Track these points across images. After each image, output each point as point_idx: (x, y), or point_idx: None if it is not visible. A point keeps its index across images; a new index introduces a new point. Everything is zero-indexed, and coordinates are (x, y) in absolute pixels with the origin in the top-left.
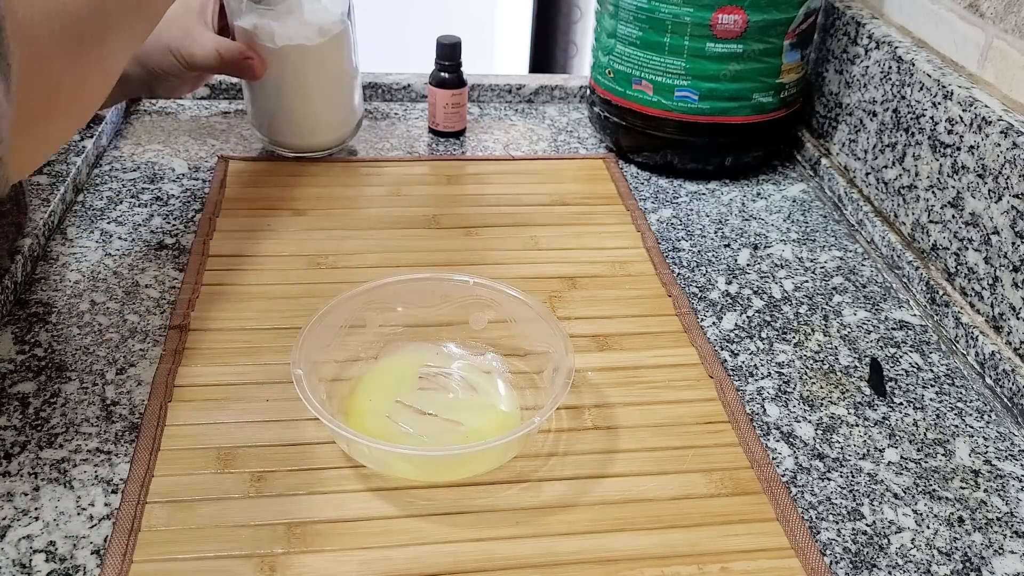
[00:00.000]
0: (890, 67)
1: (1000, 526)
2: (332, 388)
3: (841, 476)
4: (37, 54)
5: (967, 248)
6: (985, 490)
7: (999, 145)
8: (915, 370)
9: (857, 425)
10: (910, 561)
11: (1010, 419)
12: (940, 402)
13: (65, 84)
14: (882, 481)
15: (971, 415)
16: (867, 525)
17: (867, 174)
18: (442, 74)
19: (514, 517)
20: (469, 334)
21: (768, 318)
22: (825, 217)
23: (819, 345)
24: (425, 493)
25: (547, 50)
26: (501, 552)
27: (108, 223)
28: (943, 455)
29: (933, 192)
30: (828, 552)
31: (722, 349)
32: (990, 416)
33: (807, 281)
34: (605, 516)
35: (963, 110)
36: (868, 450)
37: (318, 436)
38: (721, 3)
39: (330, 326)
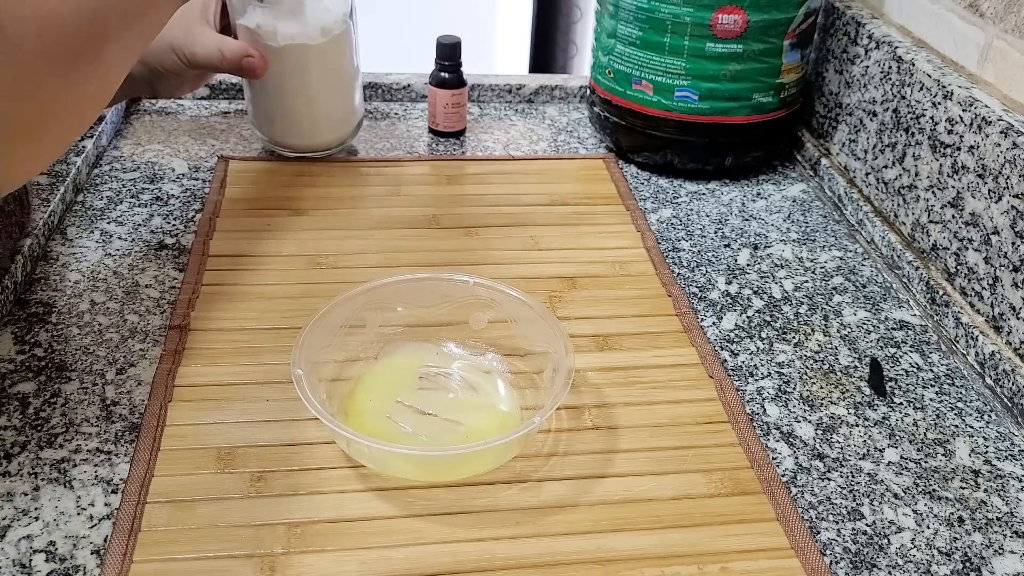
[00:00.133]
0: (890, 67)
1: (1000, 526)
2: (332, 388)
3: (841, 476)
4: (27, 70)
5: (967, 248)
6: (985, 490)
7: (999, 145)
8: (915, 370)
9: (857, 425)
10: (910, 561)
11: (1010, 419)
12: (940, 402)
13: (59, 99)
14: (882, 481)
15: (971, 415)
16: (867, 525)
17: (867, 174)
18: (442, 74)
19: (514, 517)
20: (469, 334)
21: (768, 318)
22: (825, 217)
23: (819, 345)
24: (425, 493)
25: (547, 50)
26: (501, 552)
27: (108, 223)
28: (943, 455)
29: (933, 192)
30: (828, 552)
31: (722, 349)
32: (990, 416)
33: (807, 281)
34: (605, 516)
35: (963, 110)
36: (868, 450)
37: (318, 436)
38: (721, 3)
39: (330, 326)
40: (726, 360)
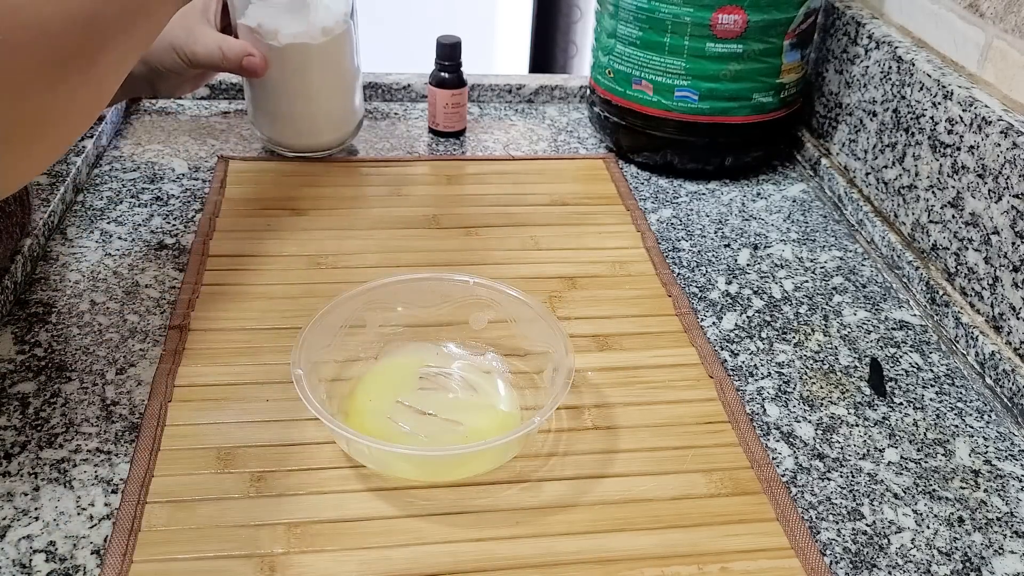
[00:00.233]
0: (890, 67)
1: (1000, 526)
2: (332, 388)
3: (841, 476)
4: (18, 79)
5: (967, 248)
6: (985, 490)
7: (999, 145)
8: (915, 370)
9: (857, 425)
10: (910, 561)
11: (1010, 419)
12: (940, 402)
13: (52, 107)
14: (882, 481)
15: (971, 415)
16: (867, 525)
17: (867, 174)
18: (442, 74)
19: (514, 517)
20: (469, 334)
21: (768, 318)
22: (825, 217)
23: (819, 345)
24: (425, 493)
25: (547, 50)
26: (501, 552)
27: (108, 223)
28: (943, 455)
29: (933, 192)
30: (828, 552)
31: (722, 349)
32: (990, 416)
33: (807, 281)
34: (605, 516)
35: (963, 110)
36: (868, 450)
37: (318, 436)
38: (721, 3)
39: (330, 326)
40: (726, 360)
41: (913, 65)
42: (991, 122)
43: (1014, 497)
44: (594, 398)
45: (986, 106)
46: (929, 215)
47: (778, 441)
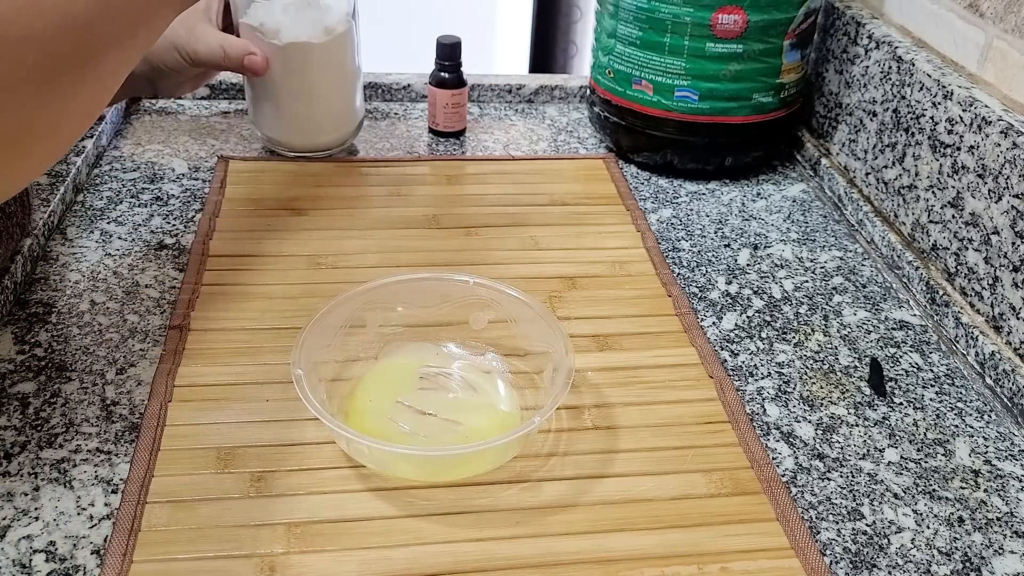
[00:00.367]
0: (890, 67)
1: (1000, 526)
2: (332, 388)
3: (841, 476)
4: (11, 90)
5: (967, 248)
6: (985, 490)
7: (999, 145)
8: (915, 370)
9: (857, 425)
10: (910, 561)
11: (1010, 419)
12: (940, 402)
13: (47, 116)
14: (882, 481)
15: (971, 415)
16: (867, 525)
17: (867, 174)
18: (442, 74)
19: (514, 517)
20: (469, 334)
21: (768, 318)
22: (825, 217)
23: (819, 345)
24: (425, 493)
25: (547, 50)
26: (501, 552)
27: (108, 223)
28: (943, 455)
29: (933, 192)
30: (828, 552)
31: (722, 349)
32: (990, 416)
33: (807, 281)
34: (605, 516)
35: (963, 110)
36: (868, 450)
37: (318, 436)
38: (721, 3)
39: (330, 326)
40: (726, 360)
41: (913, 65)
42: (991, 122)
43: (1014, 497)
44: (594, 398)
45: (986, 106)
46: (929, 215)
47: (778, 441)
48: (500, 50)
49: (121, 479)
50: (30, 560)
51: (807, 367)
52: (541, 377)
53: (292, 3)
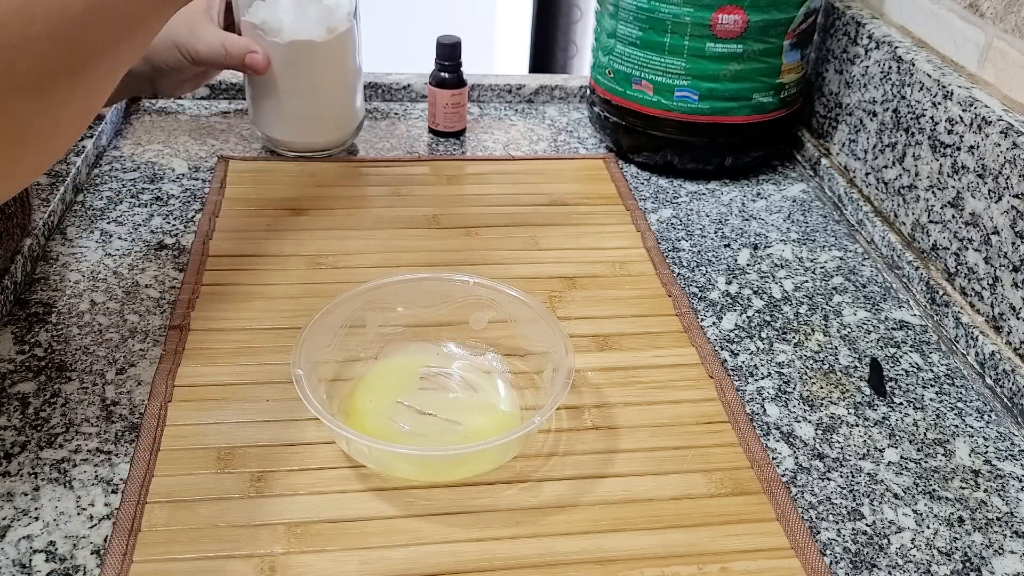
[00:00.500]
0: (890, 67)
1: (1000, 526)
2: (332, 388)
3: (841, 476)
4: (4, 95)
5: (967, 248)
6: (985, 490)
7: (999, 145)
8: (915, 370)
9: (857, 425)
10: (910, 561)
11: (1010, 419)
12: (940, 402)
13: (41, 121)
14: (882, 481)
15: (971, 415)
16: (867, 525)
17: (867, 174)
18: (442, 74)
19: (514, 517)
20: (469, 334)
21: (768, 318)
22: (825, 217)
23: (819, 345)
24: (425, 493)
25: (547, 50)
26: (501, 552)
27: (108, 223)
28: (943, 455)
29: (933, 192)
30: (828, 552)
31: (722, 349)
32: (990, 416)
33: (807, 281)
34: (605, 516)
35: (963, 110)
36: (868, 450)
37: (318, 436)
38: (721, 3)
39: (330, 326)
40: (726, 360)
41: (913, 65)
42: (991, 122)
43: (1014, 497)
44: (594, 398)
45: (986, 106)
46: (929, 215)
47: (778, 441)
48: (500, 50)
49: (121, 479)
50: (30, 560)
51: (807, 367)
52: (541, 377)
53: (294, 1)
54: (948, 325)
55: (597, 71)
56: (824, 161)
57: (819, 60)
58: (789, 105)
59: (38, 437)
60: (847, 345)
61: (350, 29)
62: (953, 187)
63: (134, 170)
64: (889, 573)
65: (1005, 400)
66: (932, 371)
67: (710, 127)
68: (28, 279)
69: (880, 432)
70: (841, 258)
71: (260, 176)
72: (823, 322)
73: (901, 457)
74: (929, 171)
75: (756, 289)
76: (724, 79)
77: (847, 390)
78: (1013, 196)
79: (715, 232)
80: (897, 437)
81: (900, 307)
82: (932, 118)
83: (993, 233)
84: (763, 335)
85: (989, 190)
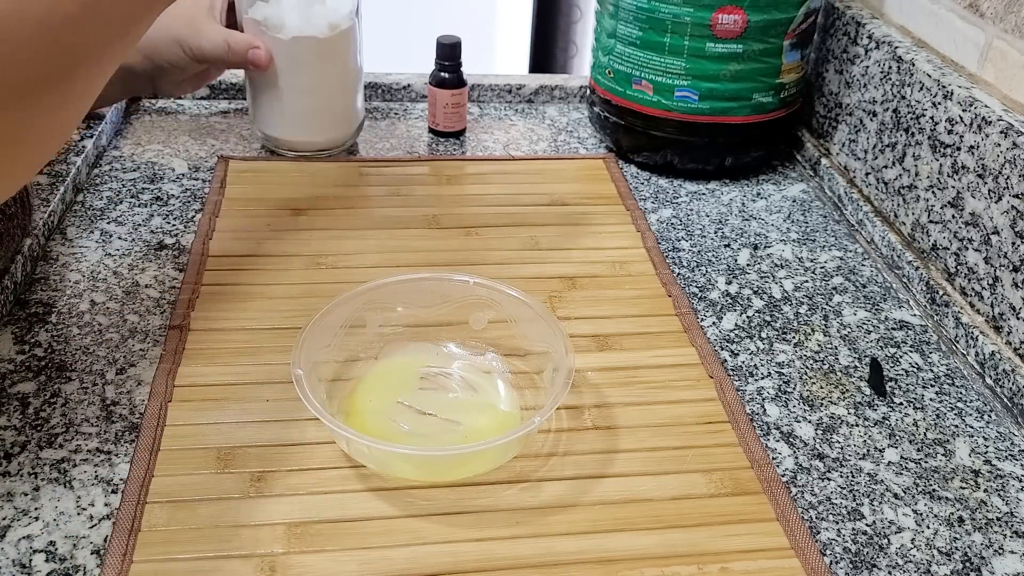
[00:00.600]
0: (890, 67)
1: (1000, 526)
2: (332, 388)
3: (841, 476)
4: None
5: (967, 248)
6: (985, 490)
7: (999, 145)
8: (915, 370)
9: (857, 425)
10: (910, 561)
11: (1010, 419)
12: (940, 402)
13: (25, 127)
14: (882, 481)
15: (971, 415)
16: (867, 525)
17: (867, 174)
18: (442, 74)
19: (514, 517)
20: (469, 334)
21: (768, 318)
22: (825, 217)
23: (819, 345)
24: (425, 493)
25: (547, 50)
26: (501, 552)
27: (108, 223)
28: (943, 455)
29: (933, 192)
30: (828, 552)
31: (722, 349)
32: (990, 416)
33: (807, 281)
34: (605, 516)
35: (963, 110)
36: (868, 450)
37: (318, 436)
38: (721, 3)
39: (330, 326)
40: (726, 360)
41: (913, 65)
42: (991, 122)
43: (1014, 497)
44: (594, 398)
45: (986, 106)
46: (929, 215)
47: (778, 441)
48: (500, 50)
49: (121, 479)
50: (30, 560)
51: (807, 367)
52: (541, 377)
53: None
54: (948, 325)
55: (597, 71)
56: (824, 161)
57: (819, 60)
58: (789, 105)
59: (38, 437)
60: (847, 345)
61: (352, 27)
62: (953, 187)
63: (134, 170)
64: (889, 573)
65: (1005, 400)
66: (932, 371)
67: (710, 127)
68: (28, 279)
69: (880, 432)
70: (841, 258)
71: (260, 176)
72: (823, 322)
73: (901, 457)
74: (929, 171)
75: (756, 289)
76: (724, 79)
77: (847, 390)
78: (1013, 196)
79: (715, 232)
80: (897, 437)
81: (900, 307)
82: (932, 118)
83: (993, 233)
84: (763, 335)
85: (989, 190)
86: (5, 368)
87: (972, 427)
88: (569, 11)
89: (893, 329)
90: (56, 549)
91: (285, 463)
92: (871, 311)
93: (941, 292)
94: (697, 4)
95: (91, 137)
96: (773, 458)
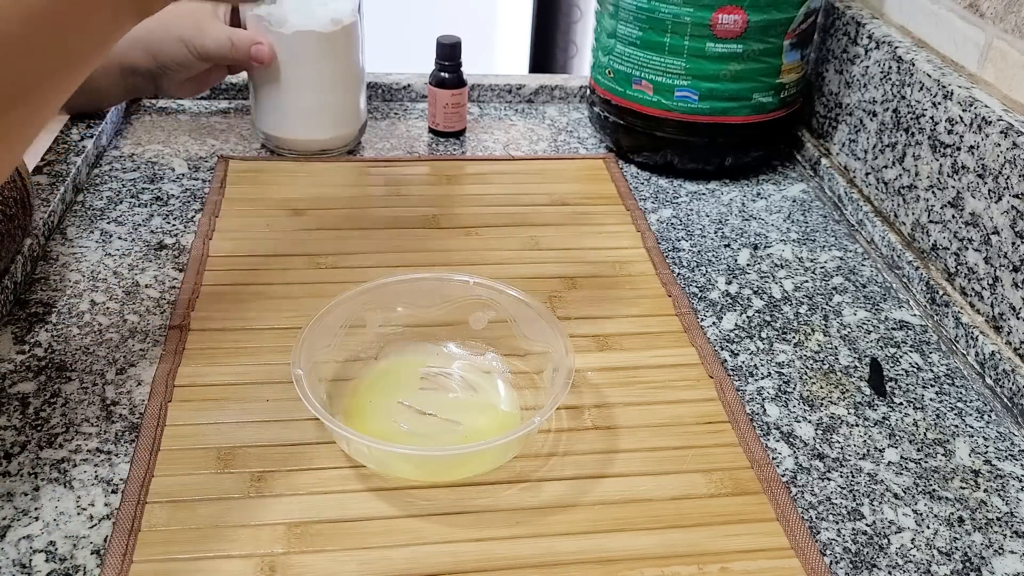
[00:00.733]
0: (890, 67)
1: (1000, 526)
2: (332, 388)
3: (841, 476)
4: None
5: (967, 248)
6: (985, 490)
7: (999, 145)
8: (915, 370)
9: (857, 425)
10: (910, 561)
11: (1010, 419)
12: (940, 402)
13: None
14: (882, 481)
15: (971, 415)
16: (867, 525)
17: (867, 174)
18: (442, 74)
19: (514, 517)
20: (469, 334)
21: (768, 318)
22: (825, 217)
23: (819, 345)
24: (425, 493)
25: (547, 50)
26: (501, 552)
27: (108, 223)
28: (943, 455)
29: (933, 192)
30: (828, 552)
31: (722, 349)
32: (990, 416)
33: (807, 281)
34: (605, 516)
35: (963, 110)
36: (868, 450)
37: (318, 436)
38: (721, 3)
39: (330, 326)
40: (726, 360)
41: (913, 65)
42: (991, 122)
43: (1014, 497)
44: (594, 398)
45: (986, 106)
46: (929, 215)
47: (778, 441)
48: (500, 50)
49: (121, 479)
50: (30, 560)
51: (807, 367)
52: (541, 377)
53: None
54: (948, 325)
55: (597, 71)
56: (824, 161)
57: (819, 60)
58: (789, 105)
59: (38, 437)
60: (847, 345)
61: (354, 24)
62: (953, 187)
63: (134, 170)
64: (889, 573)
65: (1005, 400)
66: (932, 371)
67: (710, 127)
68: (28, 279)
69: (880, 432)
70: (841, 258)
71: (260, 176)
72: (823, 322)
73: (901, 457)
74: (929, 171)
75: (756, 289)
76: (724, 79)
77: (847, 390)
78: (1013, 196)
79: (715, 232)
80: (897, 437)
81: (900, 307)
82: (932, 118)
83: (993, 233)
84: (763, 335)
85: (989, 190)
86: (5, 368)
87: (972, 427)
88: (569, 11)
89: (893, 329)
90: (56, 549)
91: (285, 463)
92: (871, 311)
93: (941, 292)
94: (697, 4)
95: (91, 137)
96: (773, 458)
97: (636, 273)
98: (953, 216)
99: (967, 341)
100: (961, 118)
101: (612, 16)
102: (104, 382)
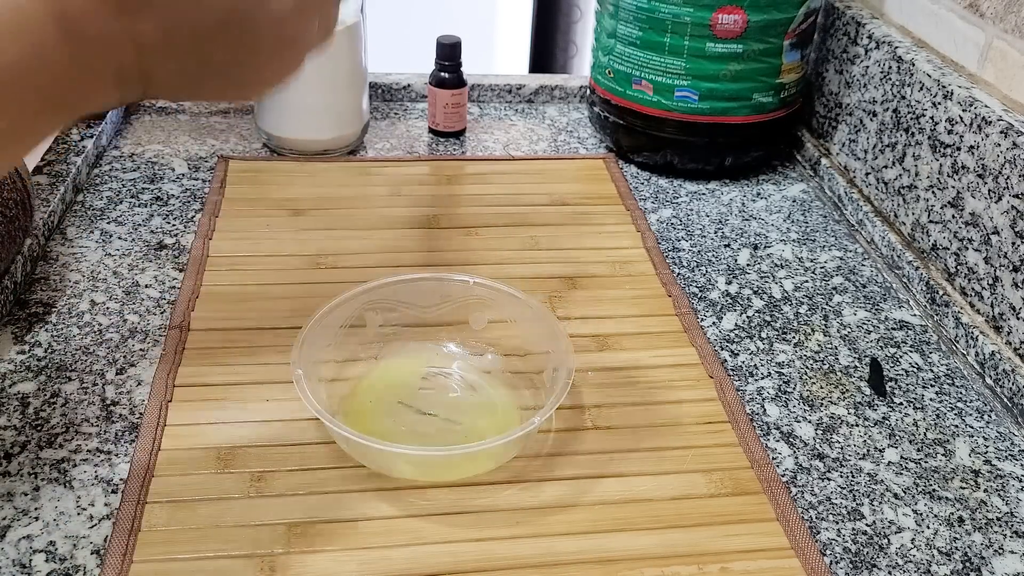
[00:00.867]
0: (890, 67)
1: (1000, 526)
2: (332, 388)
3: (841, 476)
4: None
5: (967, 248)
6: (985, 490)
7: (999, 145)
8: (915, 370)
9: (857, 425)
10: (910, 561)
11: (1010, 419)
12: (940, 402)
13: None
14: (882, 481)
15: (971, 415)
16: (867, 525)
17: (867, 174)
18: (442, 74)
19: (514, 517)
20: (469, 334)
21: (768, 318)
22: (825, 217)
23: (819, 345)
24: (425, 493)
25: (547, 50)
26: (501, 552)
27: (108, 223)
28: (943, 455)
29: (933, 192)
30: (828, 552)
31: (722, 349)
32: (990, 416)
33: (807, 281)
34: (605, 516)
35: (963, 110)
36: (868, 450)
37: (318, 436)
38: (721, 3)
39: (330, 326)
40: (726, 360)
41: (913, 65)
42: (991, 122)
43: (1014, 497)
44: (594, 398)
45: (986, 106)
46: (929, 215)
47: (778, 441)
48: (500, 50)
49: (121, 479)
50: (30, 560)
51: (807, 367)
52: (541, 377)
53: None
54: (948, 325)
55: (597, 71)
56: (824, 161)
57: (819, 60)
58: (789, 105)
59: (38, 437)
60: (847, 345)
61: (357, 24)
62: (953, 187)
63: (134, 170)
64: (889, 573)
65: (1005, 400)
66: (932, 371)
67: (710, 127)
68: (28, 279)
69: (880, 432)
70: (841, 258)
71: (260, 176)
72: (823, 322)
73: (901, 457)
74: (929, 171)
75: (756, 289)
76: (724, 79)
77: (847, 390)
78: (1013, 196)
79: (715, 232)
80: (897, 437)
81: (900, 307)
82: (932, 118)
83: (993, 233)
84: (763, 335)
85: (989, 190)
86: (5, 368)
87: (972, 427)
88: (569, 11)
89: (893, 329)
90: (56, 549)
91: (285, 463)
92: (871, 311)
93: (941, 292)
94: (697, 4)
95: (91, 137)
96: (773, 458)
97: (636, 273)
98: (953, 216)
99: (967, 341)
100: (961, 118)
101: (612, 16)
102: (104, 382)
